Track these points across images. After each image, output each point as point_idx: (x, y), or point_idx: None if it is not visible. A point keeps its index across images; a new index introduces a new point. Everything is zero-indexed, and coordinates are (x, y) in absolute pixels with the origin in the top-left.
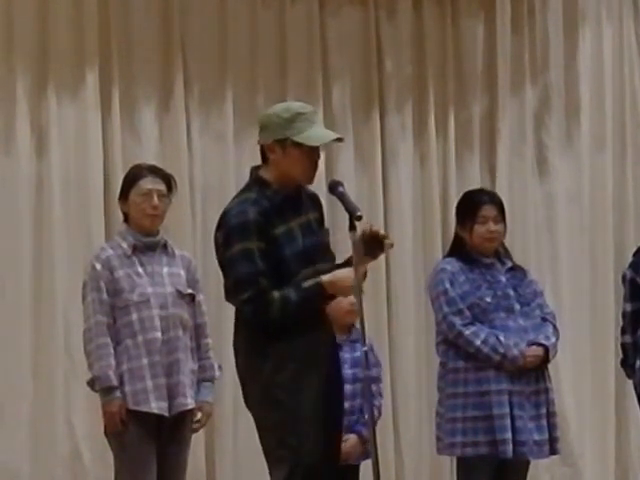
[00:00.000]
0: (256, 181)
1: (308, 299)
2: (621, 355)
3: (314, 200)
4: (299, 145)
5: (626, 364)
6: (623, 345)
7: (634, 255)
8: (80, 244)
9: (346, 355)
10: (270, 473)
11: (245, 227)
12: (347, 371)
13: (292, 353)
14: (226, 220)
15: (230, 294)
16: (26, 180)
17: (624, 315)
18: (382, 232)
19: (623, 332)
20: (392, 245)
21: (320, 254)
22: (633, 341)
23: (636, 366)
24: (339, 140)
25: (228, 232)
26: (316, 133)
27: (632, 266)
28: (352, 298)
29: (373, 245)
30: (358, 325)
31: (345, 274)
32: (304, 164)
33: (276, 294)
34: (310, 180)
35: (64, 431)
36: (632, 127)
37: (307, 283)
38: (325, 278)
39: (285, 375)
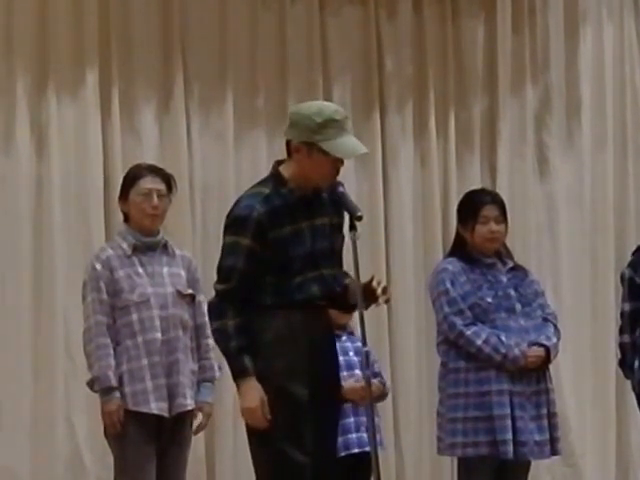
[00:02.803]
0: (274, 176)
1: (230, 362)
2: (619, 355)
3: (338, 205)
4: (325, 152)
5: (624, 364)
6: (621, 345)
7: (633, 254)
8: (80, 244)
9: (348, 344)
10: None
11: (245, 223)
12: (353, 358)
13: (286, 345)
14: (233, 209)
15: (216, 276)
16: (26, 180)
17: (622, 315)
18: (380, 289)
19: (621, 332)
20: (388, 300)
21: (328, 259)
22: (631, 341)
23: (635, 366)
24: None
25: (230, 221)
26: (344, 143)
27: (631, 265)
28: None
29: (368, 296)
30: (357, 326)
31: (251, 405)
32: (326, 170)
33: (232, 321)
34: (328, 183)
35: (64, 431)
36: (633, 127)
37: (246, 359)
38: (245, 383)
39: (278, 366)
